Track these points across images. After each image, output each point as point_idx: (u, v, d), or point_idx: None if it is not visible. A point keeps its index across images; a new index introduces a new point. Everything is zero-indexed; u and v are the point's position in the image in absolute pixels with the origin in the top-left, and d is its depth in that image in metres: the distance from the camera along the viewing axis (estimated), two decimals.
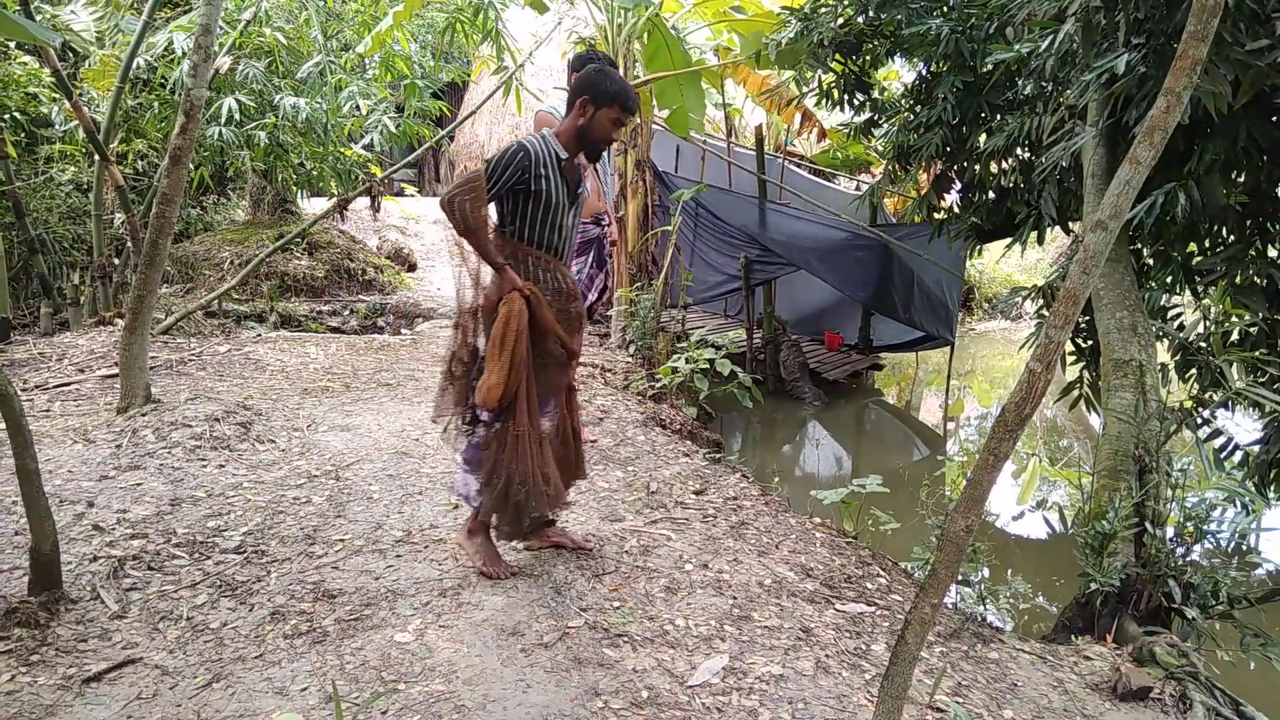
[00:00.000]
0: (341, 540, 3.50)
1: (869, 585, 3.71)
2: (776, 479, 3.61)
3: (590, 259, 4.73)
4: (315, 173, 9.15)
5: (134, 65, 6.73)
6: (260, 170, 9.39)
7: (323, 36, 8.24)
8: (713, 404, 6.70)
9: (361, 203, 12.03)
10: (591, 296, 4.77)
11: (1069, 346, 6.14)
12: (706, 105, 9.77)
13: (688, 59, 8.28)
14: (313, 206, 11.24)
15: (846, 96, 7.18)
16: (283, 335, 7.51)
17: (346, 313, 9.10)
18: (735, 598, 3.30)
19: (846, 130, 7.96)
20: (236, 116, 7.52)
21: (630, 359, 6.82)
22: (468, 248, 3.12)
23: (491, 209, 3.14)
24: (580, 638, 2.91)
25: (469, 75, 12.38)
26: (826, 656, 2.97)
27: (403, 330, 8.66)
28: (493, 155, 3.11)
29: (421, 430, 4.88)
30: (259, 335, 7.43)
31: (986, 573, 4.38)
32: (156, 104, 7.87)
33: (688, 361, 5.76)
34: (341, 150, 9.07)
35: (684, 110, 8.47)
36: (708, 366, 5.68)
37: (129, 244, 7.11)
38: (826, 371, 10.07)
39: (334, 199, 8.98)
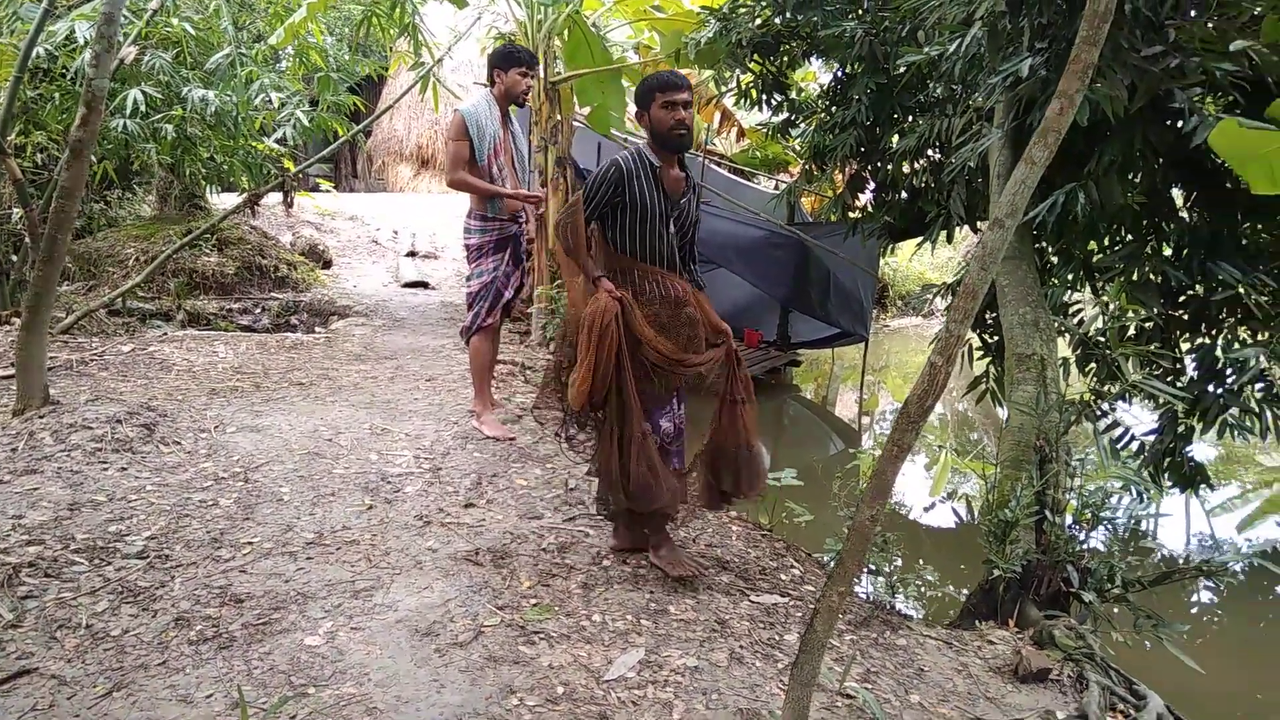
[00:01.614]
0: (249, 543, 3.42)
1: (783, 576, 3.77)
2: (694, 474, 3.62)
3: (507, 256, 4.70)
4: (225, 167, 8.87)
5: (33, 54, 6.43)
6: (167, 164, 9.08)
7: (233, 27, 8.00)
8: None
9: (274, 198, 11.74)
10: (508, 294, 4.74)
11: (976, 342, 6.33)
12: (628, 103, 9.79)
13: (608, 57, 8.27)
14: (223, 202, 10.92)
15: (765, 96, 7.27)
16: (190, 334, 7.28)
17: (258, 310, 8.87)
18: (652, 592, 3.32)
19: (765, 130, 8.06)
20: (142, 108, 7.24)
21: (551, 356, 6.80)
22: (572, 265, 3.28)
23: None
24: (496, 636, 2.90)
25: (386, 70, 12.16)
26: (740, 647, 3.02)
27: (317, 329, 8.47)
28: (591, 176, 3.25)
29: (335, 430, 4.79)
30: (165, 334, 7.19)
31: (899, 562, 4.50)
32: (57, 95, 7.53)
33: None
34: (253, 144, 8.82)
35: (605, 108, 8.46)
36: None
37: (27, 240, 6.81)
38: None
39: (245, 194, 8.75)
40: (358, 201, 15.93)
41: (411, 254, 12.80)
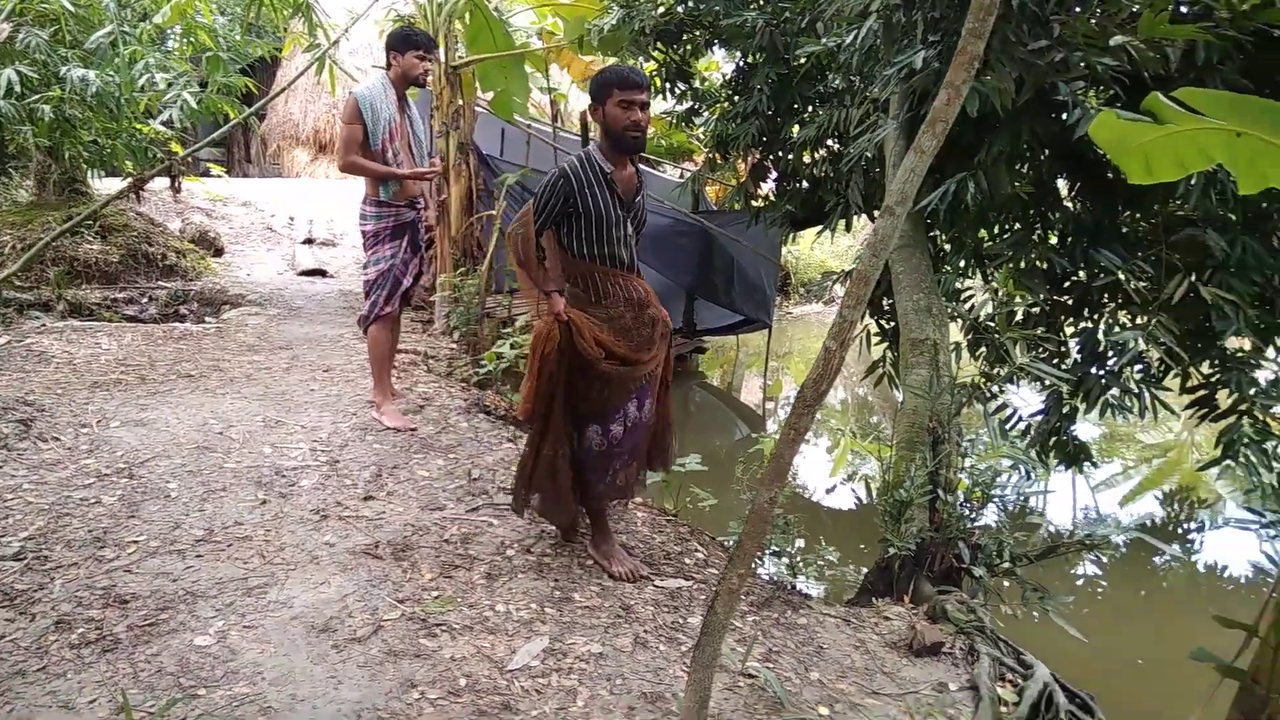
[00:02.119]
0: (135, 542, 3.27)
1: (687, 560, 3.80)
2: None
3: (405, 243, 4.60)
4: (108, 150, 8.45)
5: None
6: (45, 147, 8.61)
7: (115, 4, 7.61)
8: None
9: (162, 183, 11.24)
10: (407, 282, 4.64)
11: (874, 327, 6.49)
12: (531, 89, 9.68)
13: (511, 42, 8.16)
14: (106, 187, 10.40)
15: (668, 85, 7.29)
16: (71, 325, 6.93)
17: (145, 300, 8.47)
18: (557, 580, 3.31)
19: (669, 119, 8.08)
20: (17, 89, 6.85)
21: (454, 345, 6.70)
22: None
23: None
24: (396, 630, 2.85)
25: (280, 51, 11.76)
26: (645, 632, 3.03)
27: (207, 318, 8.15)
28: (540, 186, 3.22)
29: (226, 423, 4.62)
30: (44, 325, 6.82)
31: (801, 544, 4.58)
32: None
33: (513, 347, 5.71)
34: (137, 127, 8.42)
35: (508, 94, 8.35)
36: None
37: None
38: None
39: (129, 179, 8.35)
40: (252, 187, 15.39)
41: (309, 241, 12.43)
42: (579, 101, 14.49)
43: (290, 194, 15.04)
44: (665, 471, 3.79)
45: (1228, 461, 4.86)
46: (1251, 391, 4.88)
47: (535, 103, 13.47)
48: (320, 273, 10.71)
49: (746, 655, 2.94)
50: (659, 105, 9.30)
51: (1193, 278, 4.62)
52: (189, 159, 10.42)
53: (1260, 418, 4.88)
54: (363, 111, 4.38)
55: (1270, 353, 5.28)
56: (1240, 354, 5.03)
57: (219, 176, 14.48)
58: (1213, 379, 5.09)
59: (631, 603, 3.22)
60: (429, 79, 4.82)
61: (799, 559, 4.02)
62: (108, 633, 2.69)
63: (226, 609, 2.87)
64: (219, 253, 11.11)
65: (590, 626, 3.01)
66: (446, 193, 7.31)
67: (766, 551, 3.90)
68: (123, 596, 2.90)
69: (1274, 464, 4.80)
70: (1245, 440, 4.79)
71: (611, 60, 7.66)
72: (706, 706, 2.31)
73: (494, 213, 7.04)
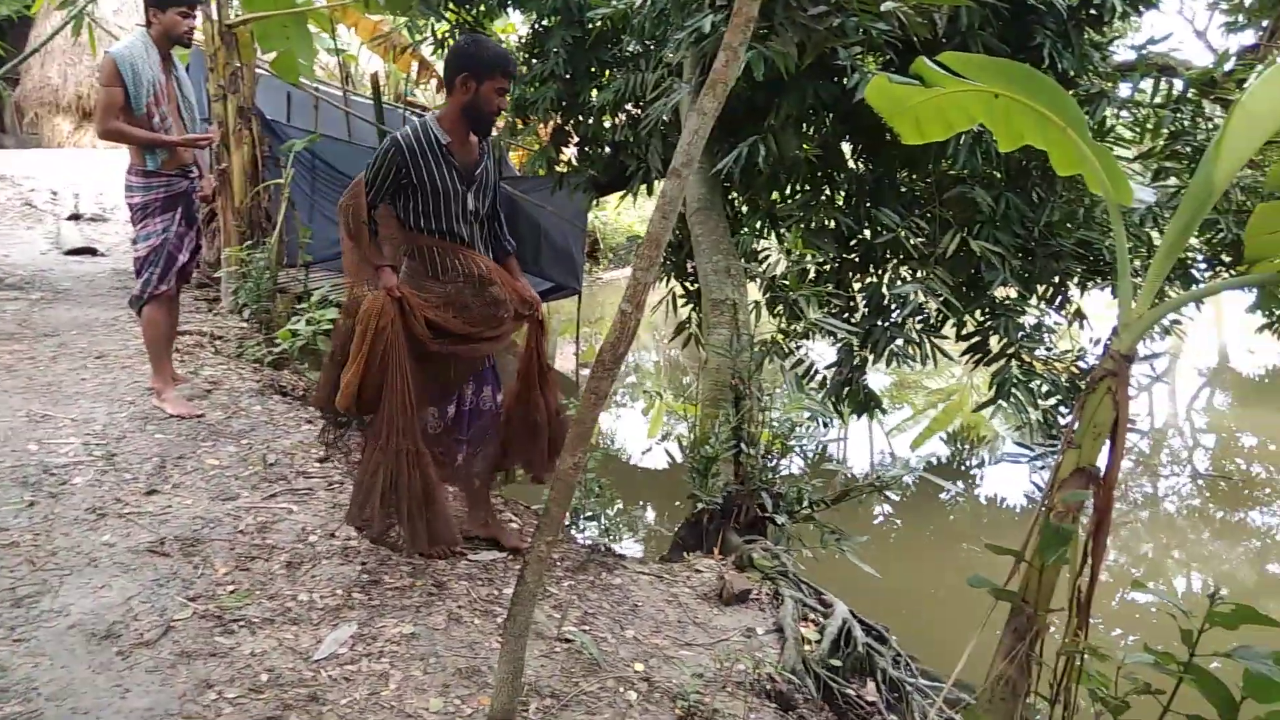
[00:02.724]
0: None
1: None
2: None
3: (179, 215, 4.26)
4: None
5: None
6: None
7: None
8: None
9: None
10: (183, 258, 4.30)
11: (679, 290, 6.63)
12: (318, 50, 9.19)
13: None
14: None
15: None
16: None
17: None
18: (365, 563, 3.20)
19: None
20: None
21: (245, 324, 6.31)
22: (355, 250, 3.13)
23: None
24: (188, 630, 2.68)
25: (30, 9, 10.59)
26: (459, 607, 2.99)
27: None
28: (373, 156, 3.05)
29: None
30: None
31: (620, 505, 4.65)
32: None
33: (309, 323, 5.44)
34: None
35: (292, 55, 7.86)
36: (331, 327, 5.39)
37: None
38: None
39: None
40: (6, 159, 13.87)
41: (75, 217, 11.34)
42: (370, 63, 13.90)
43: (53, 166, 13.64)
44: (553, 468, 3.45)
45: (1000, 402, 5.29)
46: (1018, 336, 5.33)
47: (324, 65, 12.80)
48: (90, 251, 9.80)
49: (562, 620, 2.96)
50: None
51: (965, 232, 4.98)
52: None
53: (1026, 360, 5.34)
54: (122, 73, 4.00)
55: (1034, 300, 5.79)
56: (1008, 301, 5.48)
57: None
58: (984, 326, 5.52)
59: (444, 579, 3.17)
60: (197, 38, 4.47)
61: (615, 521, 4.08)
62: None
63: None
64: None
65: (401, 608, 2.94)
66: (227, 161, 6.83)
67: (582, 516, 3.93)
68: None
69: (1039, 402, 5.27)
70: (1014, 381, 5.23)
71: (401, 20, 7.38)
72: (521, 675, 2.30)
73: (281, 181, 6.65)
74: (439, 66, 12.33)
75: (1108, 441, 2.15)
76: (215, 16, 6.76)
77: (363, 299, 3.07)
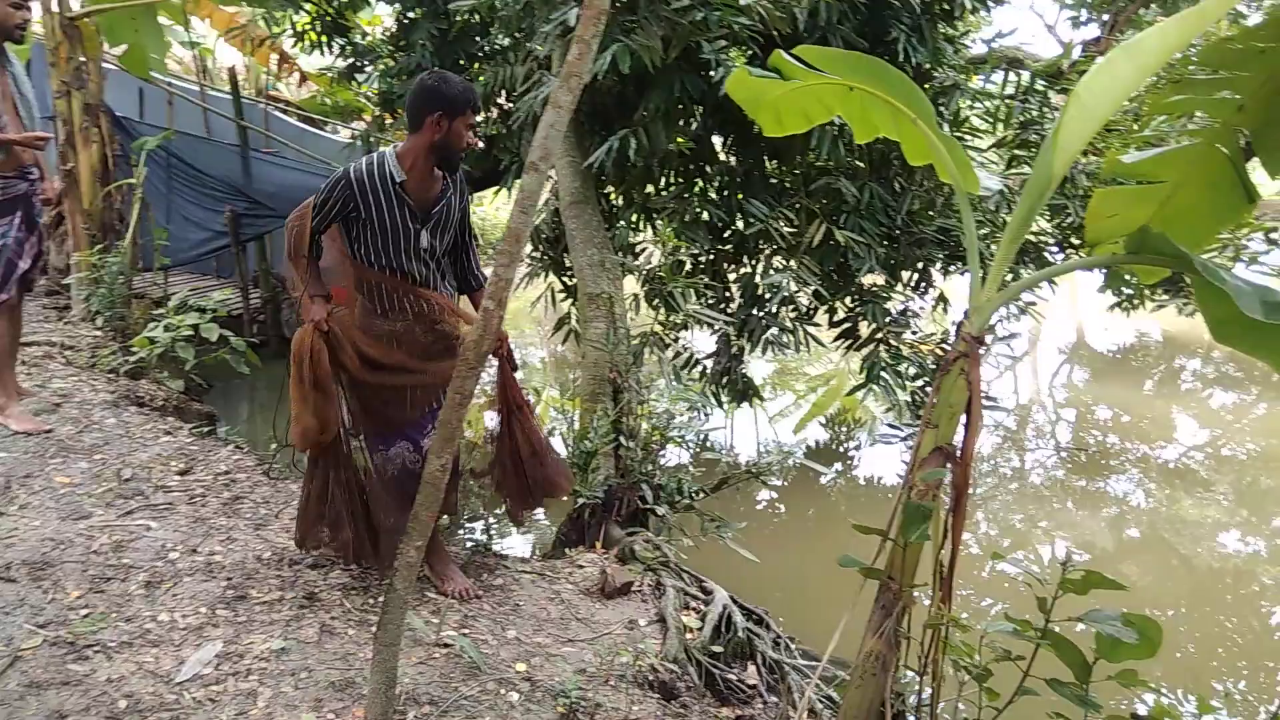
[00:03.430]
0: None
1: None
2: (275, 445, 3.42)
3: (18, 219, 3.98)
4: None
5: None
6: None
7: None
8: (210, 374, 6.14)
9: None
10: (24, 264, 4.03)
11: (557, 285, 6.60)
12: (171, 43, 8.77)
13: None
14: None
15: (325, 39, 6.88)
16: None
17: None
18: (230, 578, 3.07)
19: (331, 75, 7.66)
20: None
21: (99, 332, 5.96)
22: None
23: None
24: (38, 659, 2.51)
25: None
26: (332, 619, 2.90)
27: None
28: (325, 182, 2.96)
29: None
30: None
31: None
32: None
33: (168, 329, 5.18)
34: None
35: (142, 48, 7.48)
36: (192, 333, 5.15)
37: None
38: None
39: None
40: None
41: None
42: (227, 56, 13.32)
43: None
44: (530, 508, 3.51)
45: (871, 385, 5.46)
46: (886, 321, 5.52)
47: (179, 59, 12.20)
48: None
49: (440, 625, 2.91)
50: (318, 60, 8.79)
51: (831, 222, 5.12)
52: None
53: (894, 344, 5.54)
54: None
55: (899, 286, 6.00)
56: (875, 288, 5.66)
57: None
58: (854, 312, 5.69)
59: (316, 590, 3.06)
60: (36, 30, 4.19)
61: (500, 521, 4.04)
62: None
63: None
64: None
65: (270, 622, 2.83)
66: (73, 160, 6.45)
67: (463, 518, 3.88)
68: None
69: (907, 384, 5.46)
70: (883, 365, 5.42)
71: (258, 12, 7.12)
72: (394, 685, 2.25)
73: (134, 180, 6.32)
74: (303, 61, 11.95)
75: (964, 420, 2.24)
76: (56, 8, 6.35)
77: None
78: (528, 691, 2.69)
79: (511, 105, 6.41)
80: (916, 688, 2.30)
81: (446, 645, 2.85)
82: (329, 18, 6.74)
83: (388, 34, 7.09)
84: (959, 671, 2.24)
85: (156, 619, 2.79)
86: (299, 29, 6.76)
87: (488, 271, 2.37)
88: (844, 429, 9.33)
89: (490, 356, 3.16)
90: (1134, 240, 2.22)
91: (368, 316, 3.03)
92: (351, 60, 7.08)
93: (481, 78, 5.90)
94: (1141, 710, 2.17)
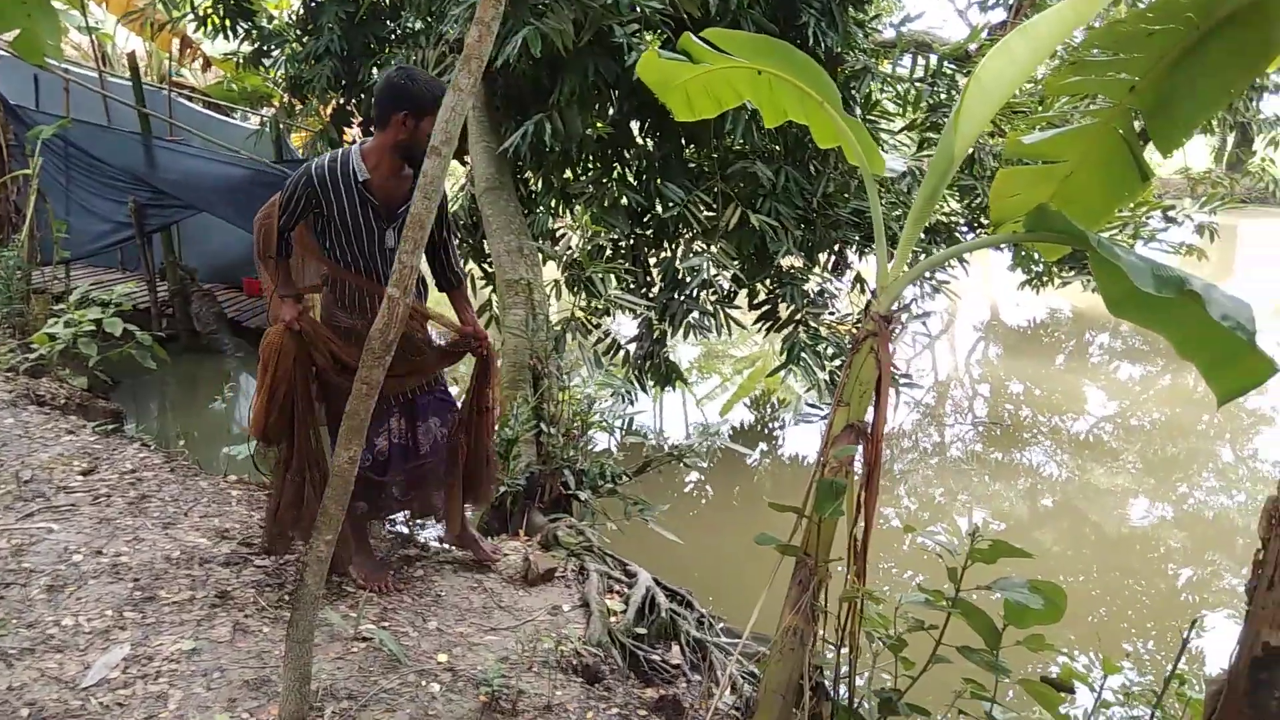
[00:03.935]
0: None
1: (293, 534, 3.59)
2: (183, 442, 3.31)
3: None
4: None
5: None
6: None
7: None
8: (117, 370, 5.93)
9: None
10: None
11: (478, 272, 6.54)
12: (67, 28, 8.39)
13: None
14: None
15: (228, 23, 6.67)
16: None
17: None
18: (137, 579, 2.98)
19: (236, 60, 7.43)
20: None
21: None
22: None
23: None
24: None
25: None
26: (245, 617, 2.84)
27: None
28: (290, 179, 2.90)
29: None
30: None
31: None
32: None
33: (69, 325, 4.98)
34: None
35: (35, 33, 7.15)
36: (95, 328, 4.96)
37: None
38: (247, 320, 9.46)
39: None
40: None
41: None
42: (127, 41, 12.79)
43: None
44: (478, 506, 3.57)
45: (791, 365, 5.53)
46: (804, 303, 5.59)
47: (76, 44, 11.68)
48: None
49: (358, 619, 2.86)
50: (221, 45, 8.50)
51: (747, 205, 5.16)
52: None
53: (813, 325, 5.61)
54: None
55: (816, 268, 6.08)
56: (793, 270, 5.72)
57: None
58: (773, 294, 5.75)
59: (228, 588, 2.99)
60: None
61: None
62: None
63: None
64: None
65: (180, 623, 2.75)
66: None
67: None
68: None
69: (826, 364, 5.55)
70: (803, 345, 5.49)
71: None
72: (309, 681, 2.22)
73: (30, 171, 6.05)
74: (206, 46, 11.55)
75: (874, 397, 2.28)
76: None
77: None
78: (449, 681, 2.67)
79: None
80: (835, 660, 2.35)
81: (365, 639, 2.81)
82: (232, 1, 6.53)
83: (295, 17, 6.90)
84: (875, 642, 2.29)
85: (60, 624, 2.70)
86: (201, 13, 6.53)
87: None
88: (769, 409, 9.44)
89: (469, 355, 3.22)
90: (1033, 218, 2.27)
91: (331, 309, 3.05)
92: (258, 45, 6.88)
93: (393, 62, 5.78)
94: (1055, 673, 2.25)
